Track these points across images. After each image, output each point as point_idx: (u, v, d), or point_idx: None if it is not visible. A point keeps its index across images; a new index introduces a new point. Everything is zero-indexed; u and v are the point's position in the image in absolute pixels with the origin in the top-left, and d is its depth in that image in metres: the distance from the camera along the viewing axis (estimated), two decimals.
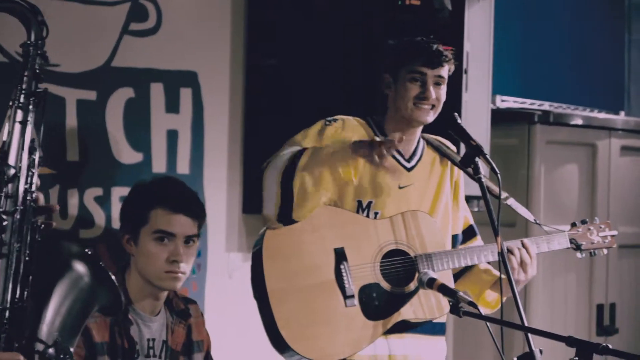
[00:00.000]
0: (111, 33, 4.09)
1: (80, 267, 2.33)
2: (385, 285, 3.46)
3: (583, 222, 3.80)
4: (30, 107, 2.22)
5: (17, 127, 2.20)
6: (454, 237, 3.66)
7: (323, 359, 3.40)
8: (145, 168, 4.16)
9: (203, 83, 4.35)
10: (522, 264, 3.54)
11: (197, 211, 3.44)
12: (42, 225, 2.24)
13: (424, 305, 3.47)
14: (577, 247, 3.77)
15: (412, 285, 3.47)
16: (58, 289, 2.29)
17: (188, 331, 3.48)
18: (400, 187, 3.54)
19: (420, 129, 3.59)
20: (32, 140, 2.21)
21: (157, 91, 4.22)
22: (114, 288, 2.43)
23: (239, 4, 4.46)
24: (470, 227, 3.70)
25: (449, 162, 3.63)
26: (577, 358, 2.59)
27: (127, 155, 4.12)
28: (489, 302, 3.63)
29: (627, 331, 5.75)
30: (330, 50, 4.40)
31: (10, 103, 2.20)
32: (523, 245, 3.57)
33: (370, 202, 3.51)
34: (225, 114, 4.44)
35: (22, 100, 2.20)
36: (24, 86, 2.22)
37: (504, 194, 3.62)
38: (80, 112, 3.98)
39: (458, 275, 3.65)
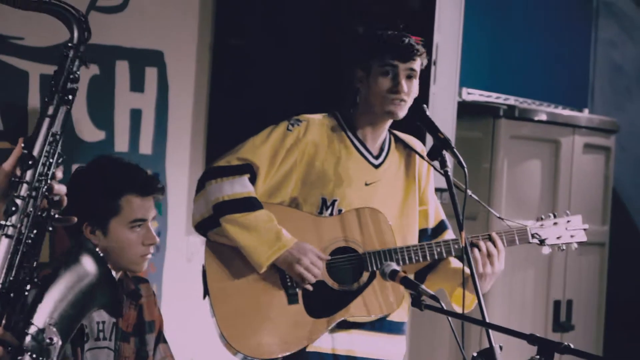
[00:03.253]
0: (78, 8, 4.02)
1: (89, 263, 2.39)
2: (330, 282, 3.45)
3: (552, 215, 3.64)
4: (61, 104, 2.37)
5: (47, 120, 2.34)
6: (423, 231, 3.63)
7: (264, 356, 3.43)
8: (107, 146, 4.11)
9: (169, 63, 4.31)
10: (488, 256, 3.48)
11: (161, 190, 3.40)
12: (55, 216, 2.34)
13: (375, 301, 3.46)
14: (541, 242, 3.61)
15: (361, 282, 3.46)
16: (63, 279, 2.35)
17: (139, 312, 3.43)
18: (366, 184, 3.52)
19: (389, 124, 3.56)
20: (55, 134, 2.33)
21: (122, 69, 4.17)
22: (116, 292, 2.49)
23: None
24: (442, 222, 3.66)
25: (417, 157, 3.61)
26: (538, 357, 2.59)
27: (89, 132, 4.07)
28: (459, 296, 3.57)
29: (583, 328, 5.78)
30: (299, 34, 4.37)
31: (46, 99, 2.36)
32: (490, 237, 3.52)
33: (335, 200, 3.48)
34: (190, 95, 4.41)
35: (55, 98, 2.36)
36: (60, 85, 2.38)
37: (460, 186, 3.57)
38: (43, 87, 3.92)
39: (427, 270, 3.62)
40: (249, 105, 4.37)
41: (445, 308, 3.04)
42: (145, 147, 4.24)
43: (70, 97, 2.36)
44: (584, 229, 3.67)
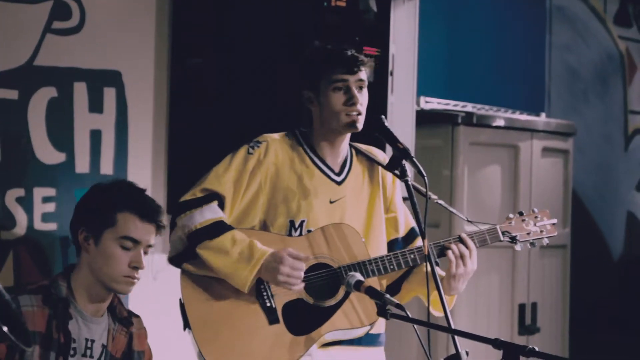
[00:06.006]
0: (33, 31, 4.03)
1: None
2: (308, 299, 3.45)
3: (520, 213, 3.68)
4: None
5: None
6: (394, 241, 3.63)
7: None
8: (68, 168, 4.10)
9: (127, 82, 4.31)
10: (461, 257, 3.49)
11: (163, 223, 3.43)
12: None
13: (355, 314, 3.46)
14: (512, 240, 3.63)
15: (339, 297, 3.46)
16: None
17: (129, 340, 3.46)
18: (331, 202, 3.52)
19: (347, 138, 3.57)
20: None
21: (80, 90, 4.16)
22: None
23: (163, 3, 4.42)
24: (412, 229, 3.66)
25: (380, 169, 3.62)
26: None
27: (49, 155, 4.06)
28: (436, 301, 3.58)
29: (549, 330, 5.82)
30: (256, 51, 4.38)
31: None
32: (461, 239, 3.53)
33: (302, 221, 3.49)
34: (149, 114, 4.40)
35: None
36: None
37: (433, 196, 3.60)
38: (1, 112, 3.92)
39: (403, 278, 3.63)
40: (209, 123, 4.38)
41: (409, 316, 3.06)
42: (107, 167, 4.24)
43: None
44: (553, 223, 3.70)
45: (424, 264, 3.51)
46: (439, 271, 3.52)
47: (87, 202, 3.46)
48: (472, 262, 3.52)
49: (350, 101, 3.45)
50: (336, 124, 3.47)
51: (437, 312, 3.48)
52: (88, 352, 3.32)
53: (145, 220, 3.37)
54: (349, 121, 3.45)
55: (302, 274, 3.38)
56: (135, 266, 3.35)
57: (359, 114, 3.45)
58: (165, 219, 3.48)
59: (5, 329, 1.95)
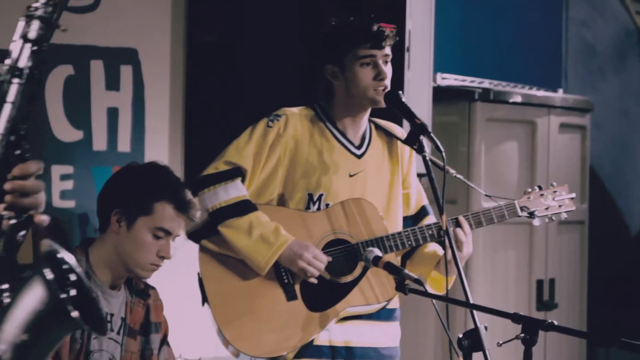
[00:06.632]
0: None
1: (39, 293, 1.96)
2: (326, 275, 3.45)
3: (538, 187, 3.64)
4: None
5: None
6: (404, 218, 3.62)
7: (269, 354, 3.44)
8: (85, 146, 4.12)
9: (143, 60, 4.31)
10: (457, 242, 3.45)
11: (195, 218, 3.42)
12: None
13: (372, 290, 3.46)
14: (531, 215, 3.60)
15: (356, 273, 3.47)
16: (16, 305, 1.96)
17: (146, 311, 3.47)
18: (350, 175, 3.52)
19: (368, 113, 3.56)
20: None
21: (97, 68, 4.17)
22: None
23: None
24: (422, 208, 3.65)
25: (399, 144, 3.60)
26: (523, 335, 2.61)
27: (66, 133, 4.07)
28: (435, 279, 3.60)
29: (567, 306, 5.81)
30: (272, 27, 4.38)
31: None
32: (458, 223, 3.50)
33: (321, 195, 3.48)
34: (166, 92, 4.41)
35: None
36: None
37: (451, 170, 3.59)
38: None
39: (406, 257, 3.63)
40: (225, 100, 4.38)
41: (428, 291, 3.06)
42: (124, 145, 4.24)
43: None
44: (572, 198, 3.66)
45: (427, 244, 3.51)
46: (441, 250, 3.50)
47: (124, 184, 3.42)
48: (468, 246, 3.47)
49: (379, 76, 3.44)
50: (363, 98, 3.46)
51: (434, 291, 3.49)
52: (108, 325, 3.34)
53: (180, 212, 3.36)
54: (376, 97, 3.44)
55: (323, 267, 3.38)
56: (163, 256, 3.35)
57: (386, 88, 3.45)
58: (198, 214, 3.45)
59: (76, 314, 1.92)
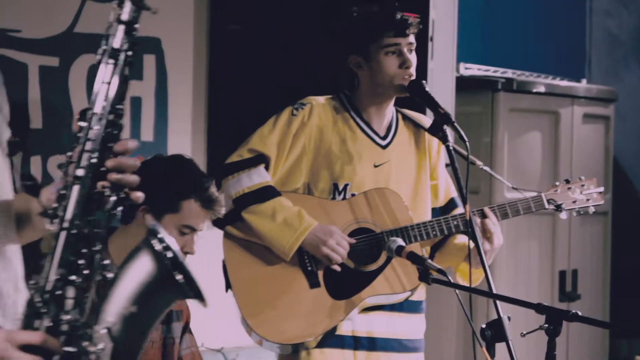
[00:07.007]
0: None
1: (148, 262, 2.02)
2: (349, 263, 3.44)
3: (566, 181, 3.59)
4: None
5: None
6: (432, 210, 3.58)
7: (292, 341, 3.43)
8: None
9: (166, 49, 4.31)
10: (487, 233, 3.41)
11: (220, 214, 3.38)
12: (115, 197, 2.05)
13: (397, 279, 3.45)
14: (557, 208, 3.55)
15: (380, 262, 3.46)
16: (124, 280, 2.01)
17: None
18: (375, 166, 3.50)
19: (392, 102, 3.53)
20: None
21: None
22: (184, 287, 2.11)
23: None
24: (451, 200, 3.60)
25: (426, 135, 3.56)
26: (547, 325, 2.60)
27: None
28: (464, 271, 3.56)
29: (589, 297, 5.80)
30: (295, 15, 4.37)
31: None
32: (484, 214, 3.47)
33: (346, 185, 3.47)
34: (189, 81, 4.41)
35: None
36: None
37: (478, 162, 3.56)
38: (43, 79, 3.93)
39: (435, 248, 3.59)
40: (248, 88, 4.38)
41: (451, 281, 3.05)
42: (147, 134, 4.25)
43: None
44: (600, 192, 3.62)
45: (457, 235, 3.50)
46: (467, 241, 3.47)
47: (151, 180, 3.36)
48: (498, 237, 3.43)
49: (405, 64, 3.41)
50: (389, 87, 3.44)
51: (463, 282, 3.47)
52: None
53: (206, 209, 3.34)
54: (403, 84, 3.43)
55: (345, 253, 3.38)
56: (187, 252, 3.34)
57: (411, 76, 3.43)
58: (222, 210, 3.44)
59: (180, 278, 1.99)
